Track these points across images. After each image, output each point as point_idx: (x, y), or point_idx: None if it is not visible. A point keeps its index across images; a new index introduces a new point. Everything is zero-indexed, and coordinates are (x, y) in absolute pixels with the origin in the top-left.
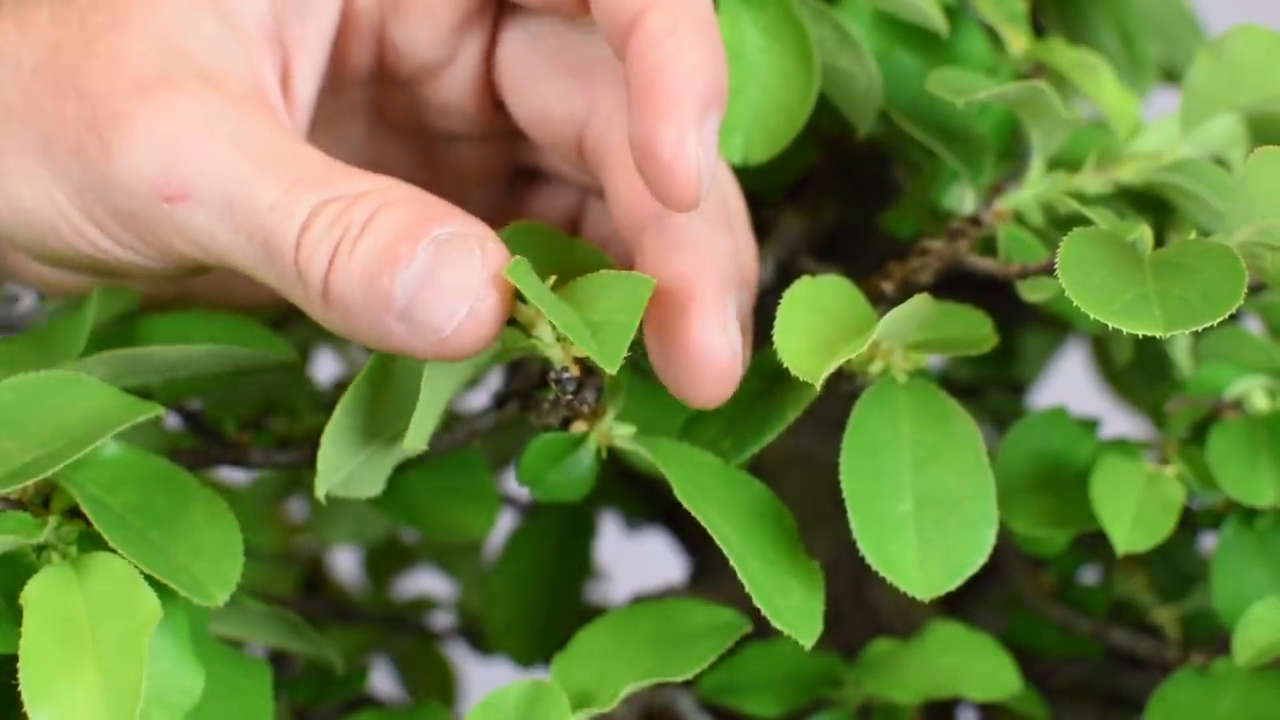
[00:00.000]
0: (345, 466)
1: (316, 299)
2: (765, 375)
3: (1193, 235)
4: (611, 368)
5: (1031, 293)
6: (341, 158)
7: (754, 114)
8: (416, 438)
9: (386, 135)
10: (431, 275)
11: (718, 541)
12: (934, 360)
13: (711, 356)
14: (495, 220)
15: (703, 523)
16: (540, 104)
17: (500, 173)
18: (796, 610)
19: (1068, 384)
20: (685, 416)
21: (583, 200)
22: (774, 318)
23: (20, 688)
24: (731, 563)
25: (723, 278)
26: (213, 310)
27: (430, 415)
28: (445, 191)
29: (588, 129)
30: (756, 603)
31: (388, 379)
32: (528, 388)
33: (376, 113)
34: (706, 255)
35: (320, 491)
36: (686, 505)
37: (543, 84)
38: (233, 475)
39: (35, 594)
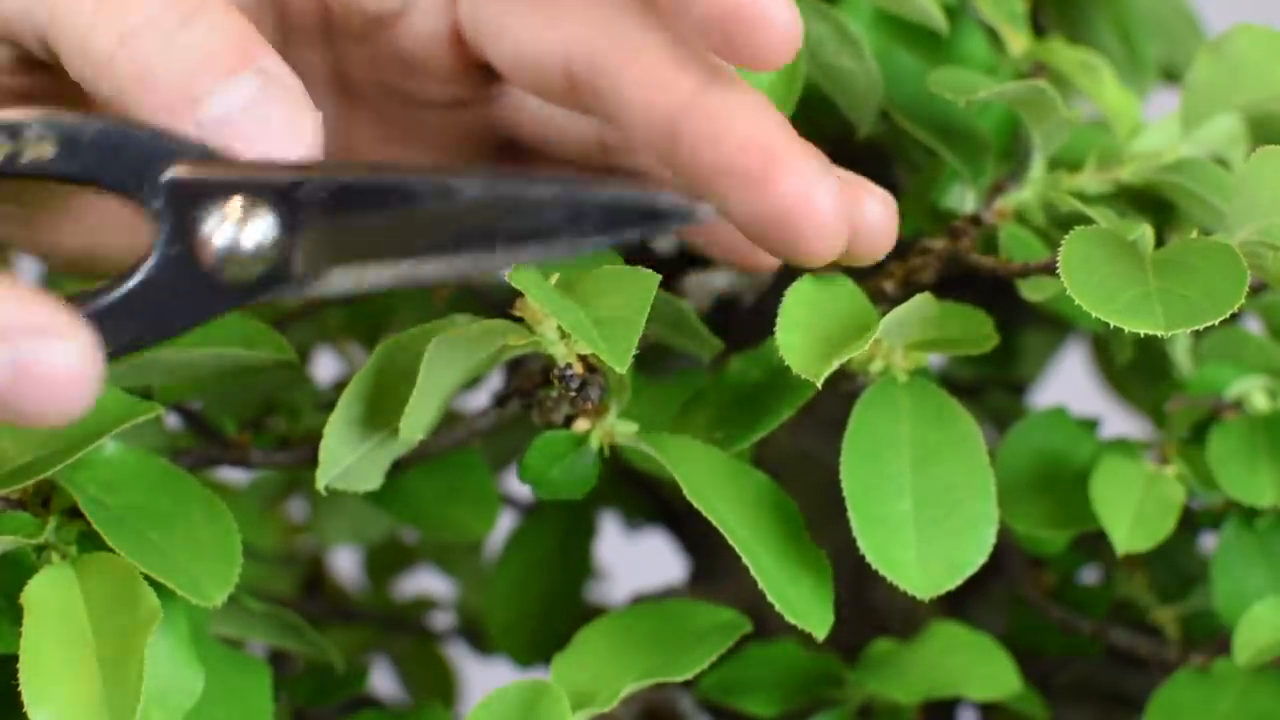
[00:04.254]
0: (346, 459)
1: (98, 49)
2: (764, 369)
3: (1194, 234)
4: (621, 366)
5: (1032, 292)
6: None
7: None
8: (412, 426)
9: (354, 105)
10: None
11: (726, 536)
12: (934, 360)
13: (814, 206)
14: None
15: (710, 518)
16: (515, 47)
17: (480, 144)
18: (808, 602)
19: (1068, 384)
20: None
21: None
22: (775, 317)
23: (20, 688)
24: (742, 557)
25: (789, 130)
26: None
27: (427, 404)
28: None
29: (572, 62)
30: (769, 596)
31: (391, 373)
32: (529, 386)
33: (338, 79)
34: (767, 115)
35: (321, 483)
36: (694, 500)
37: (514, 25)
38: (233, 475)
39: (35, 594)
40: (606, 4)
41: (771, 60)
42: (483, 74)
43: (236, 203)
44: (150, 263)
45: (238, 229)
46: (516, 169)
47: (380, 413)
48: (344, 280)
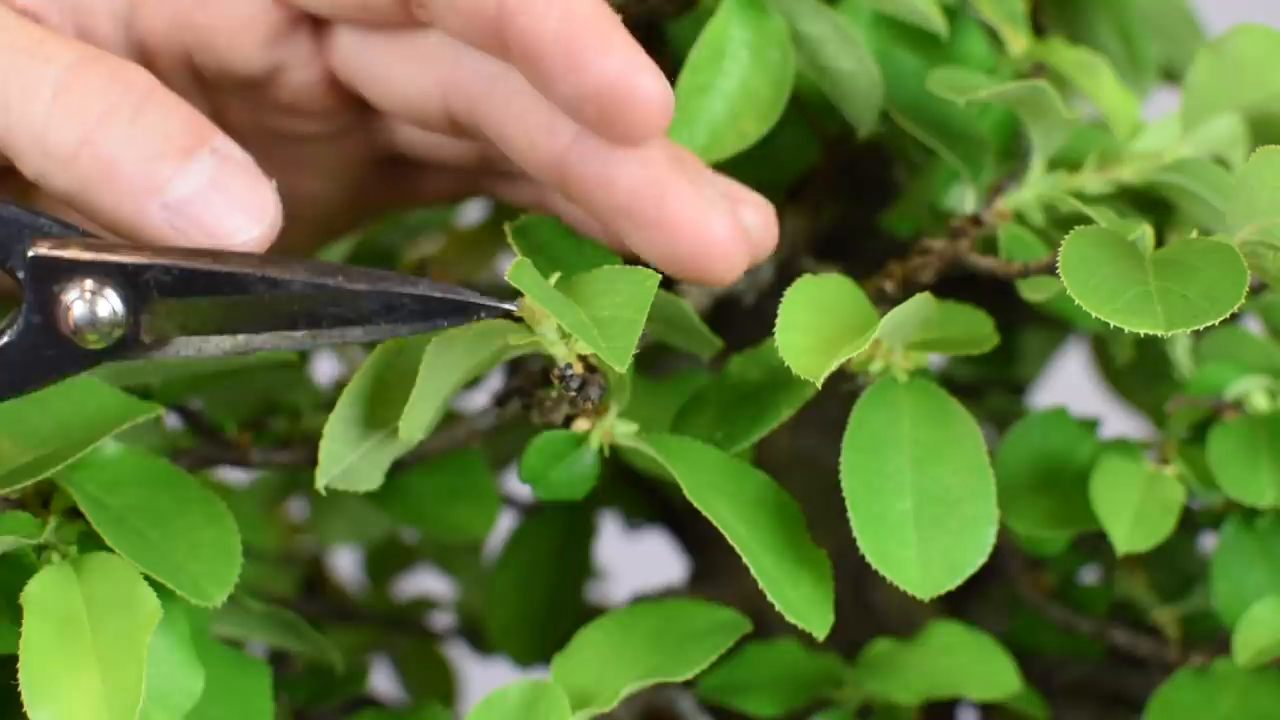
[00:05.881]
0: (346, 458)
1: (59, 145)
2: (764, 369)
3: (1194, 234)
4: (620, 365)
5: (1032, 292)
6: None
7: (728, 107)
8: (412, 426)
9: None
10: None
11: (726, 536)
12: (934, 360)
13: (710, 232)
14: (373, 206)
15: (710, 517)
16: (391, 90)
17: (365, 165)
18: (808, 601)
19: (1068, 384)
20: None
21: (461, 180)
22: (775, 317)
23: (20, 688)
24: (742, 556)
25: (678, 161)
26: None
27: (427, 404)
28: (305, 189)
29: (450, 104)
30: (769, 596)
31: (390, 373)
32: (529, 386)
33: (217, 122)
34: (651, 154)
35: (320, 482)
36: (693, 500)
37: (390, 73)
38: (233, 475)
39: (35, 594)
40: (476, 53)
41: (645, 134)
42: (361, 106)
43: (90, 282)
44: (16, 327)
45: (92, 303)
46: (338, 265)
47: (380, 413)
48: (187, 348)
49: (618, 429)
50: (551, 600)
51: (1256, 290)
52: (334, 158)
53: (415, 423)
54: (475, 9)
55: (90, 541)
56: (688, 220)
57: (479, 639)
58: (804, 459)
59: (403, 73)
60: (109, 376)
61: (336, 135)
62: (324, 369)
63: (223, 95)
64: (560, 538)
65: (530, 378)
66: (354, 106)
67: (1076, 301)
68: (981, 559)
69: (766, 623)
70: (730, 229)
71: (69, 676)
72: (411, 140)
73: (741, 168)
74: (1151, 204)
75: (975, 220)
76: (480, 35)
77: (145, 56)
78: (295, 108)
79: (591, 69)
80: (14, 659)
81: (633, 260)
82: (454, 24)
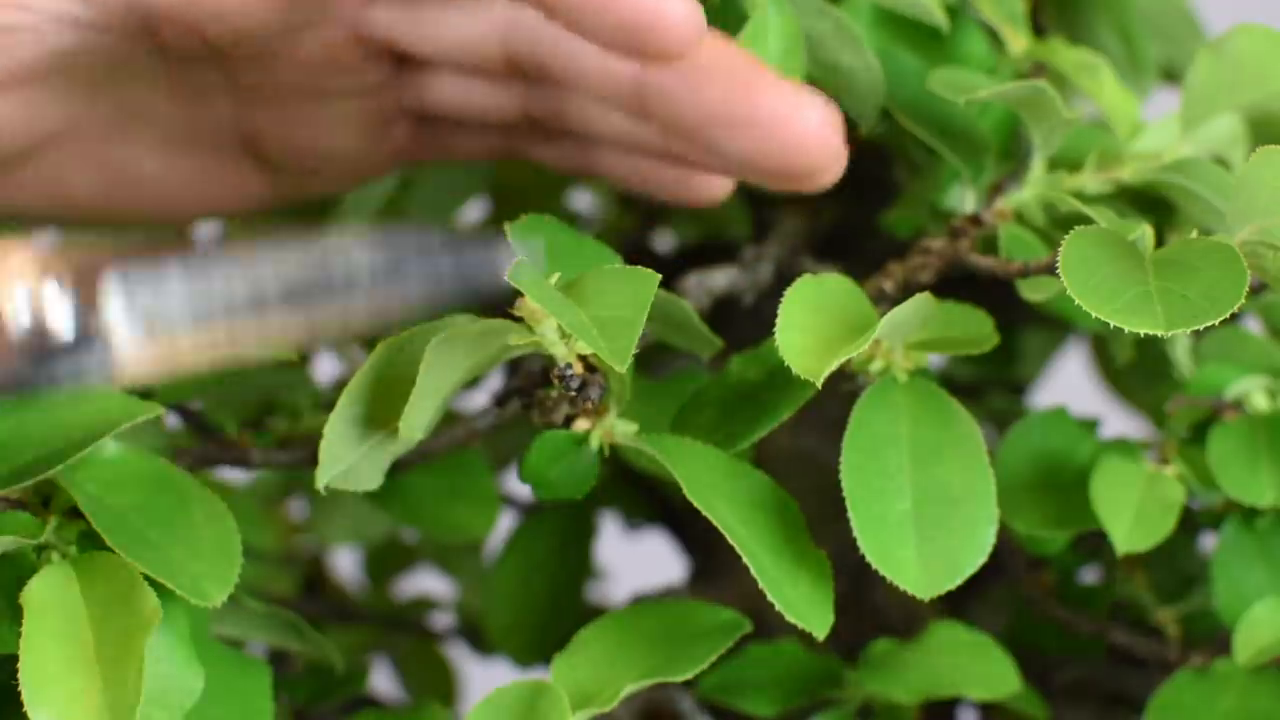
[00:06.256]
0: (347, 458)
1: None
2: (764, 369)
3: (1194, 234)
4: (620, 365)
5: (1032, 292)
6: (206, 131)
7: None
8: (411, 425)
9: (258, 105)
10: None
11: (726, 535)
12: (934, 360)
13: (806, 123)
14: (404, 162)
15: (710, 517)
16: (445, 37)
17: (392, 120)
18: (807, 601)
19: (1068, 384)
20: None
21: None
22: (775, 317)
23: (20, 688)
24: (742, 557)
25: (758, 63)
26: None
27: (427, 403)
28: (331, 145)
29: (511, 43)
30: (769, 596)
31: (390, 372)
32: (529, 386)
33: (236, 88)
34: (733, 58)
35: (321, 482)
36: (693, 500)
37: (439, 19)
38: (233, 475)
39: (35, 594)
40: None
41: (681, 54)
42: (389, 63)
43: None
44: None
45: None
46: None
47: (380, 412)
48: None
49: (618, 429)
50: (551, 600)
51: (1256, 290)
52: (361, 114)
53: (415, 422)
54: None
55: (90, 541)
56: (783, 114)
57: (479, 639)
58: (804, 459)
59: (455, 19)
60: None
61: (364, 93)
62: (324, 369)
63: (235, 62)
64: (560, 538)
65: (530, 378)
66: (382, 63)
67: (1076, 301)
68: (981, 559)
69: (766, 623)
70: (824, 118)
71: (69, 676)
72: (444, 97)
73: None
74: (1151, 204)
75: (975, 220)
76: None
77: (150, 26)
78: (317, 65)
79: (617, 5)
80: (14, 659)
81: (632, 261)
82: None
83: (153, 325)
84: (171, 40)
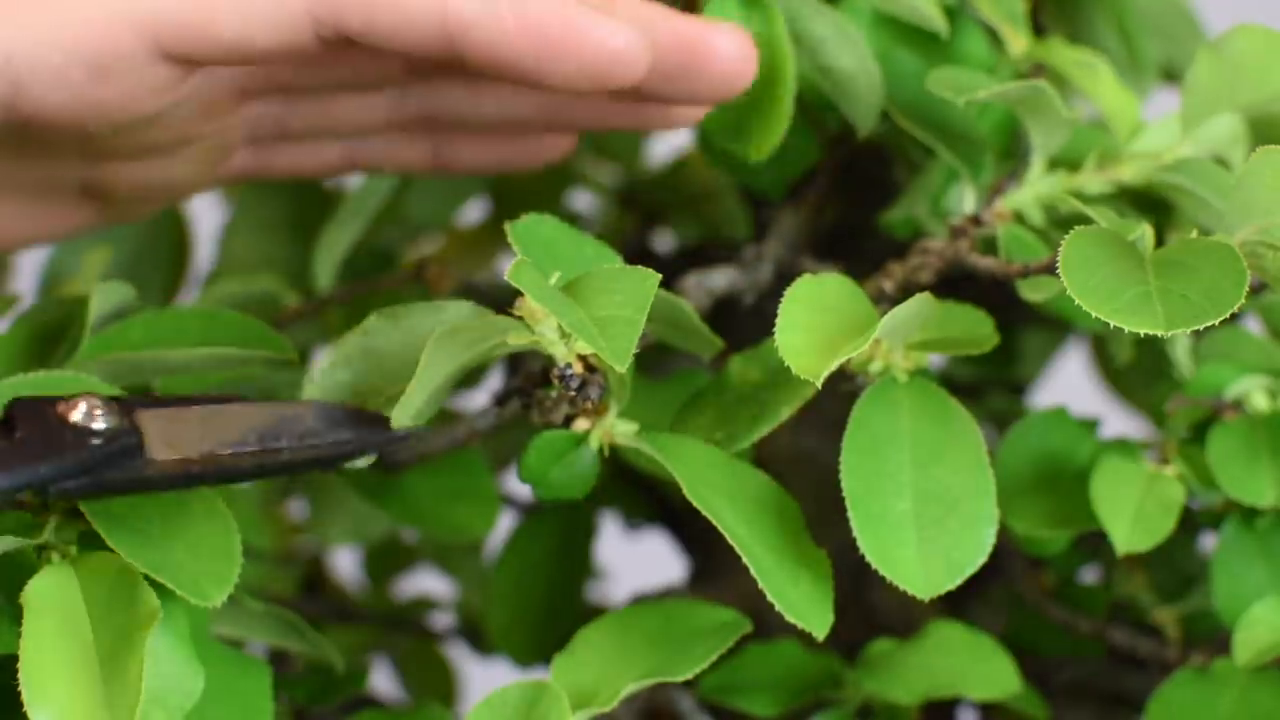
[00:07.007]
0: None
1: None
2: (764, 369)
3: (1194, 234)
4: (621, 365)
5: (1032, 292)
6: (49, 181)
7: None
8: (404, 413)
9: (107, 160)
10: None
11: (726, 535)
12: (934, 360)
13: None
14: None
15: (709, 516)
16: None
17: (235, 148)
18: (807, 601)
19: (1068, 384)
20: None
21: None
22: (775, 317)
23: (20, 688)
24: (742, 557)
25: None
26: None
27: (423, 391)
28: (176, 184)
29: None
30: (769, 596)
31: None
32: (529, 386)
33: (94, 149)
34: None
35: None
36: (693, 500)
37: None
38: None
39: (35, 594)
40: None
41: (728, 90)
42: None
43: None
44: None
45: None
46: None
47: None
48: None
49: (617, 429)
50: (551, 600)
51: (1256, 290)
52: (206, 151)
53: (409, 409)
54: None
55: (90, 541)
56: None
57: (479, 639)
58: (804, 459)
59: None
60: (109, 376)
61: (214, 134)
62: None
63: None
64: (560, 538)
65: (530, 378)
66: (236, 107)
67: (1076, 301)
68: (981, 559)
69: (766, 623)
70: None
71: (69, 676)
72: (447, 107)
73: (743, 168)
74: (1151, 204)
75: (975, 220)
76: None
77: (24, 118)
78: (179, 126)
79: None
80: (14, 659)
81: (632, 261)
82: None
83: (174, 446)
84: (40, 125)
